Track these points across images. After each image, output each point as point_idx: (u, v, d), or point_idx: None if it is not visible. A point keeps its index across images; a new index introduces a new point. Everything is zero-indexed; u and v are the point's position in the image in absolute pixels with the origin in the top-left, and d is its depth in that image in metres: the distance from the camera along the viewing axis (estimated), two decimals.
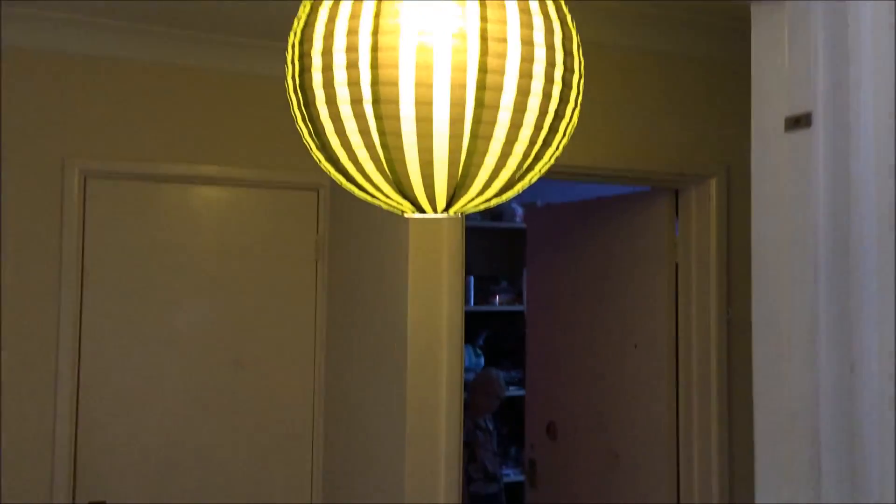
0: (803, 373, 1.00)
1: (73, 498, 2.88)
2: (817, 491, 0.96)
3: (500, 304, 5.17)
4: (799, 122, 1.02)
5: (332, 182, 3.12)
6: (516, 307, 5.20)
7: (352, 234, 3.09)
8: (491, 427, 4.61)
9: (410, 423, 2.54)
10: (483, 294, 5.12)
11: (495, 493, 4.52)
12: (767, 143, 1.08)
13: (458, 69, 1.18)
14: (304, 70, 1.22)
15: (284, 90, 1.27)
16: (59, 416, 2.85)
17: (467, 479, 4.27)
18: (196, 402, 3.08)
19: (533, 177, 1.37)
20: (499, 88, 1.23)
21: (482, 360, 5.17)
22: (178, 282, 3.10)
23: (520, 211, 5.16)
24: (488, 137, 1.26)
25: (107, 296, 2.98)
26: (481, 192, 1.34)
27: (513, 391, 4.93)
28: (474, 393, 4.50)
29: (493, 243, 5.39)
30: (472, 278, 4.99)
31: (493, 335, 5.42)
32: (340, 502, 3.07)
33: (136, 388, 3.01)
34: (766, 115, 1.09)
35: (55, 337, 2.86)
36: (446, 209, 1.34)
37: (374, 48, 1.14)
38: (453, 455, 2.57)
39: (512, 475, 4.87)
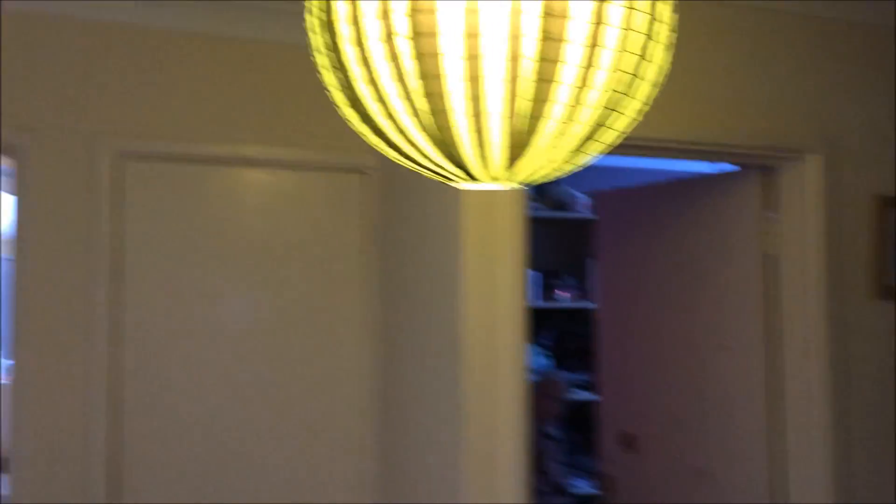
0: None
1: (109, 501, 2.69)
2: None
3: (565, 300, 4.85)
4: None
5: (384, 163, 2.87)
6: (581, 304, 4.87)
7: (404, 221, 2.83)
8: (558, 435, 4.30)
9: (468, 429, 2.27)
10: (544, 289, 4.82)
11: None
12: None
13: None
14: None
15: None
16: (93, 419, 2.66)
17: (534, 492, 3.97)
18: (242, 402, 2.88)
19: (613, 139, 1.07)
20: (565, 15, 0.94)
21: (550, 362, 4.85)
22: (221, 273, 2.89)
23: (583, 199, 4.84)
24: (556, 81, 0.97)
25: (145, 289, 2.78)
26: (546, 156, 1.06)
27: (581, 395, 4.62)
28: (534, 396, 4.19)
29: (554, 235, 5.09)
30: (532, 273, 4.68)
31: (557, 334, 5.11)
32: None
33: (176, 387, 2.81)
34: None
35: (86, 336, 2.67)
36: (505, 178, 1.07)
37: None
38: (517, 467, 2.29)
39: (583, 487, 4.55)
